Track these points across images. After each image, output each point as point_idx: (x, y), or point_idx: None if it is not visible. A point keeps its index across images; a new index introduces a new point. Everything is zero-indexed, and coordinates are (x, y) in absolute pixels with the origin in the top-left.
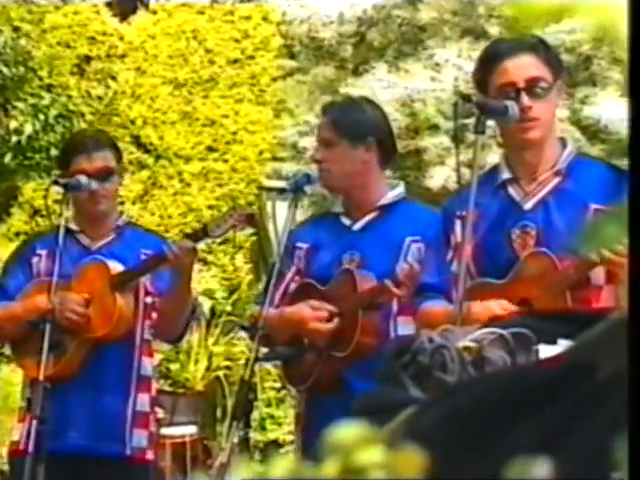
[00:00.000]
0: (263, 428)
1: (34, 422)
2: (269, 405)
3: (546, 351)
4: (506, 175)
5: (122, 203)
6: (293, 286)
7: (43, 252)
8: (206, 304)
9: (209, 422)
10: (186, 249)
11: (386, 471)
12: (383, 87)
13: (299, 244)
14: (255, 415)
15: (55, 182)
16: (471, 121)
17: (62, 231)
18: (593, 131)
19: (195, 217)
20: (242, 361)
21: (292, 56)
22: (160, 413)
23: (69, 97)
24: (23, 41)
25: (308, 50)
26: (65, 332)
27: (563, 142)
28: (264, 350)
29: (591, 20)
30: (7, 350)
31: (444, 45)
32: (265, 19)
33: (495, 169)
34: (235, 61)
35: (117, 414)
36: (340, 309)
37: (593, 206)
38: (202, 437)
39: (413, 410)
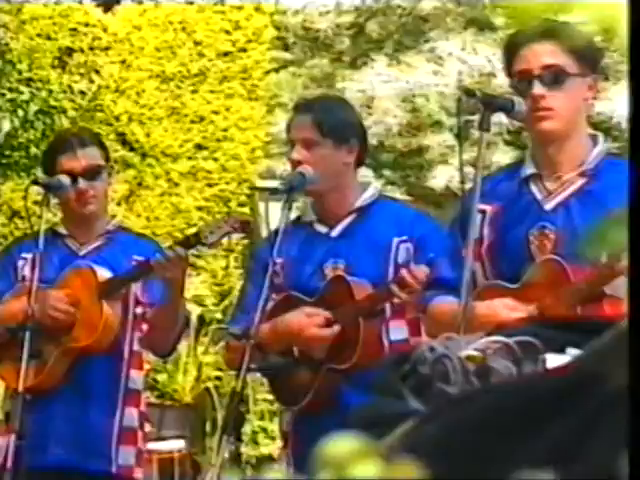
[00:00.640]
0: (255, 442)
1: (12, 437)
2: (262, 418)
3: (554, 360)
4: (529, 170)
5: None
6: (271, 304)
7: (28, 256)
8: (195, 311)
9: (198, 436)
10: (176, 257)
11: None
12: (383, 81)
13: (272, 258)
14: (247, 429)
15: (35, 182)
16: (476, 117)
17: (42, 234)
18: (605, 128)
19: (184, 219)
20: (233, 372)
21: (286, 48)
22: (147, 427)
23: (50, 92)
24: (1, 32)
25: (303, 42)
26: (47, 340)
27: (594, 140)
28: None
29: (602, 11)
30: None
31: (447, 37)
32: (257, 9)
33: (519, 163)
34: (226, 54)
35: (102, 429)
36: (337, 317)
37: None
38: (191, 452)
39: (413, 422)
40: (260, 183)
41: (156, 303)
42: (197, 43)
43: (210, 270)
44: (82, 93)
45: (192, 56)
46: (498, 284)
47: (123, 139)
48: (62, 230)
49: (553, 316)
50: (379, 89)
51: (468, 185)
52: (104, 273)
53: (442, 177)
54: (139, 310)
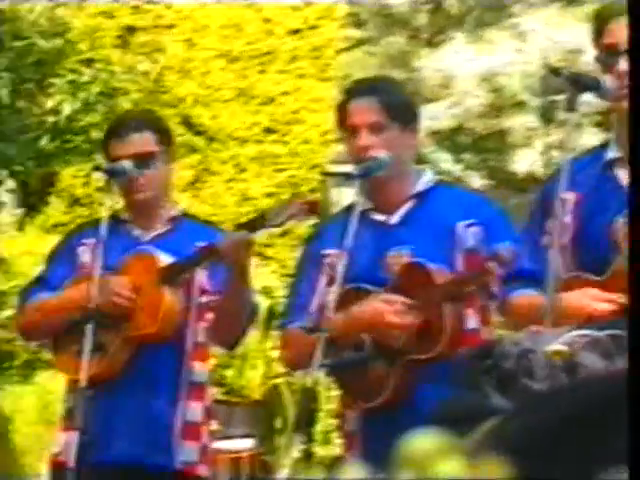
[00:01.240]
0: (328, 442)
1: (75, 432)
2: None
3: None
4: (613, 154)
5: None
6: (332, 297)
7: (90, 242)
8: (264, 303)
9: (267, 435)
10: (240, 240)
11: None
12: (462, 60)
13: (326, 251)
14: (319, 427)
15: (97, 168)
16: (562, 97)
17: (105, 220)
18: None
19: (251, 206)
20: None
21: (359, 25)
22: (213, 424)
23: (111, 73)
24: (61, 11)
25: (377, 18)
26: (108, 328)
27: None
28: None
29: None
30: (45, 355)
31: (531, 12)
32: None
33: (603, 147)
34: (296, 31)
35: (164, 422)
36: (418, 304)
37: None
38: (260, 451)
39: (500, 419)
40: (332, 168)
41: (222, 292)
42: (266, 20)
43: (280, 260)
44: (145, 74)
45: (260, 34)
46: (583, 276)
47: (188, 122)
48: (125, 216)
49: None
50: (458, 68)
51: (551, 170)
52: (166, 258)
53: (524, 161)
54: (204, 299)
